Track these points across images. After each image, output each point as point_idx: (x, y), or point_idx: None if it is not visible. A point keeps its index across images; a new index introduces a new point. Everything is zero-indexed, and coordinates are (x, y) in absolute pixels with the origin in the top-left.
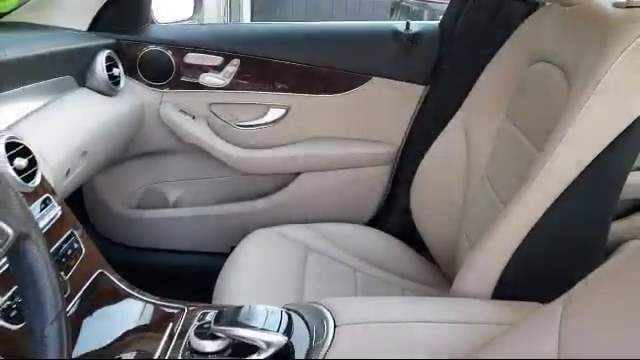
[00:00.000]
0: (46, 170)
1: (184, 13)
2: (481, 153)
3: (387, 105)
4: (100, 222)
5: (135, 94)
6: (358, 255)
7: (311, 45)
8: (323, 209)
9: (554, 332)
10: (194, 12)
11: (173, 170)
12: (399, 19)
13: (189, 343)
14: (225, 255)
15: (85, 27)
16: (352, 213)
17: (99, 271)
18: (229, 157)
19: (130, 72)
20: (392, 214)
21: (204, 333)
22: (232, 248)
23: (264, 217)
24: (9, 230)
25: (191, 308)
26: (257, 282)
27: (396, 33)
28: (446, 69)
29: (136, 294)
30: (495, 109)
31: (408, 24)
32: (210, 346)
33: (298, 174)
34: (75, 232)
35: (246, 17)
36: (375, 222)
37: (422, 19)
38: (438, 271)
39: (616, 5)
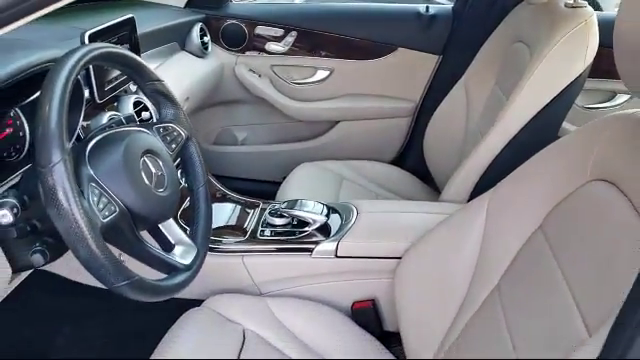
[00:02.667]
0: None
1: None
2: (476, 109)
3: (409, 70)
4: None
5: (217, 56)
6: (380, 185)
7: (351, 22)
8: (356, 150)
9: (483, 207)
10: None
11: (242, 116)
12: None
13: (265, 219)
14: (278, 183)
15: (182, 4)
16: (378, 154)
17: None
18: (285, 107)
19: (214, 39)
20: (409, 155)
21: (275, 213)
22: (284, 178)
23: (310, 154)
24: (183, 133)
25: (263, 202)
26: (305, 196)
27: (418, 14)
28: (455, 43)
29: (231, 194)
30: (488, 76)
31: (427, 7)
32: (279, 221)
33: (337, 122)
34: None
35: None
36: (396, 161)
37: None
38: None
39: (566, 5)
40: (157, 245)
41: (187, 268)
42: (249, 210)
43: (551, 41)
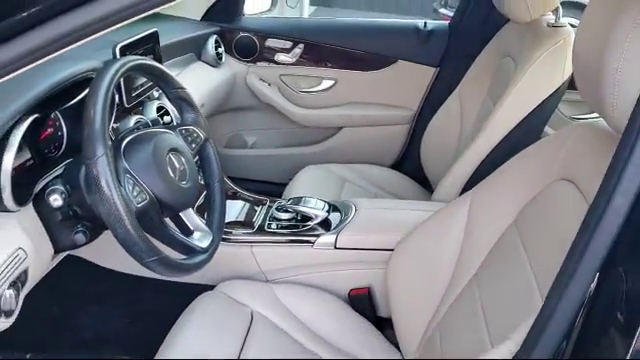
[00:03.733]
0: None
1: (264, 6)
2: (469, 118)
3: (408, 80)
4: None
5: (230, 66)
6: (380, 187)
7: (354, 35)
8: (358, 154)
9: (466, 205)
10: (271, 5)
11: (252, 121)
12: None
13: (271, 214)
14: (285, 184)
15: (199, 17)
16: (379, 158)
17: None
18: (293, 114)
19: (228, 51)
20: (408, 160)
21: (281, 209)
22: (290, 179)
23: (314, 158)
24: (202, 135)
25: (270, 200)
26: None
27: (417, 29)
28: (451, 57)
29: (242, 192)
30: (480, 87)
31: (425, 23)
32: (284, 215)
33: (341, 128)
34: None
35: (305, 3)
36: (395, 165)
37: None
38: None
39: (547, 25)
40: (178, 230)
41: (204, 251)
42: (257, 207)
43: (533, 56)
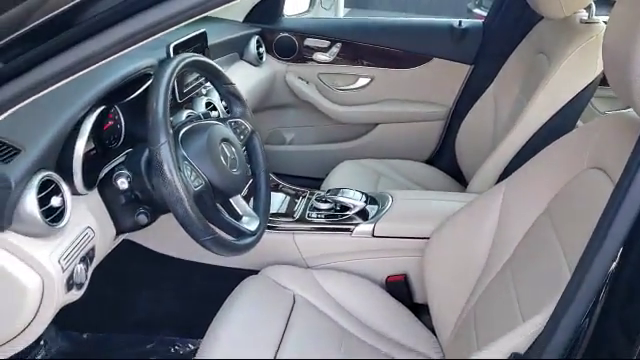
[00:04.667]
0: None
1: (303, 7)
2: (503, 114)
3: (443, 78)
4: None
5: (270, 65)
6: (414, 181)
7: (390, 34)
8: (393, 150)
9: (500, 194)
10: (310, 6)
11: (291, 119)
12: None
13: (312, 204)
14: (321, 179)
15: (241, 19)
16: (414, 153)
17: None
18: (330, 111)
19: (268, 50)
20: (443, 155)
21: (320, 199)
22: (326, 175)
23: (350, 154)
24: (249, 127)
25: (310, 191)
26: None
27: (451, 27)
28: (485, 54)
29: (284, 184)
30: (514, 84)
31: (460, 22)
32: (324, 206)
33: (376, 124)
34: None
35: (340, 5)
36: (430, 161)
37: None
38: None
39: (581, 21)
40: (228, 214)
41: (253, 233)
42: (297, 200)
43: (566, 53)
